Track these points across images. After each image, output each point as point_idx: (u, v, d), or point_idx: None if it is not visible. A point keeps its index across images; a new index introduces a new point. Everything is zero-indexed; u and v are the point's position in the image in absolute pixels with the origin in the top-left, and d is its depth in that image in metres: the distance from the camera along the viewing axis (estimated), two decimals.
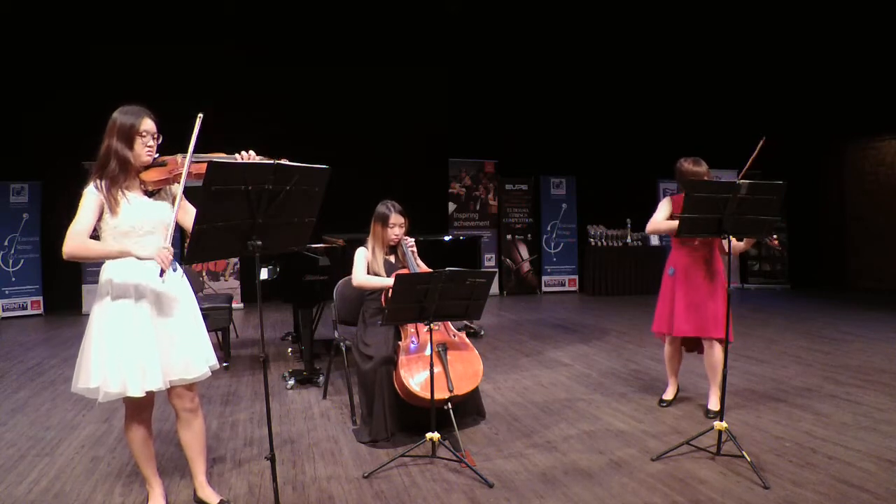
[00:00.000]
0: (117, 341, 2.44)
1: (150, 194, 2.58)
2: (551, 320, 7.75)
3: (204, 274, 8.69)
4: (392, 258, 3.92)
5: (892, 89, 9.13)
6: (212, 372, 2.69)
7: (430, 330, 3.28)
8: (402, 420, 3.57)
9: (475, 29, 9.55)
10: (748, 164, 3.71)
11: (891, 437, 3.48)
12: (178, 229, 2.75)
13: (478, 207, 10.35)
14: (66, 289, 8.63)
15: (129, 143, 2.48)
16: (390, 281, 3.66)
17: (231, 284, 8.92)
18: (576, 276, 10.65)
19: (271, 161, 2.32)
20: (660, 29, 9.83)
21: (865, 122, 9.95)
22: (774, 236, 3.45)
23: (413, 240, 3.93)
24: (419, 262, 3.89)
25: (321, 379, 4.67)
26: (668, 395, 4.21)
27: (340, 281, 4.23)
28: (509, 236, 10.49)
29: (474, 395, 3.80)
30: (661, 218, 3.90)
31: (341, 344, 4.07)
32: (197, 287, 7.41)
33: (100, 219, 2.48)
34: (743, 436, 3.50)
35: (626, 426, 3.77)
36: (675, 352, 4.11)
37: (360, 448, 3.47)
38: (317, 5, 8.97)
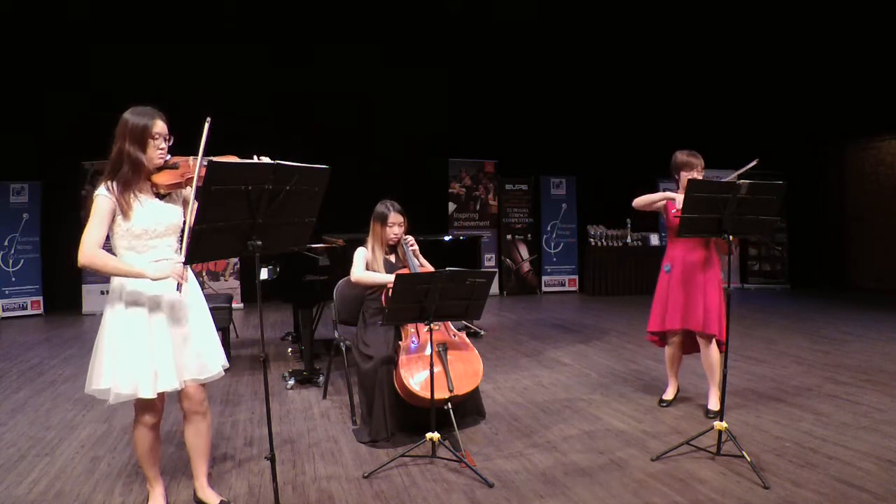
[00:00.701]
0: (130, 343, 2.44)
1: (160, 196, 2.57)
2: (551, 320, 7.75)
3: (204, 274, 8.68)
4: (392, 258, 3.92)
5: (892, 89, 9.13)
6: (224, 372, 2.69)
7: (431, 330, 3.28)
8: (402, 420, 3.57)
9: (475, 29, 9.55)
10: (738, 173, 3.65)
11: (891, 437, 3.48)
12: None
13: (478, 207, 10.35)
14: (66, 289, 8.62)
15: (143, 146, 2.46)
16: (388, 277, 3.67)
17: (231, 284, 8.92)
18: (576, 276, 10.64)
19: (271, 161, 2.32)
20: (660, 29, 9.83)
21: (865, 122, 9.94)
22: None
23: (413, 239, 3.93)
24: (422, 260, 3.89)
25: (321, 379, 4.67)
26: (668, 395, 4.21)
27: (340, 281, 4.23)
28: (509, 236, 10.49)
29: (474, 395, 3.80)
30: (656, 196, 3.94)
31: (341, 344, 4.07)
32: None
33: (112, 221, 2.46)
34: (743, 436, 3.50)
35: (626, 426, 3.77)
36: (675, 352, 4.11)
37: (360, 448, 3.47)
38: (316, 5, 8.97)
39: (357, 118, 9.22)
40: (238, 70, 8.72)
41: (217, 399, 4.44)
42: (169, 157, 2.54)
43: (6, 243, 8.26)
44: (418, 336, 3.67)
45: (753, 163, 3.61)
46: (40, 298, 8.49)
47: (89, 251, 2.37)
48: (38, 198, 8.45)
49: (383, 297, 3.72)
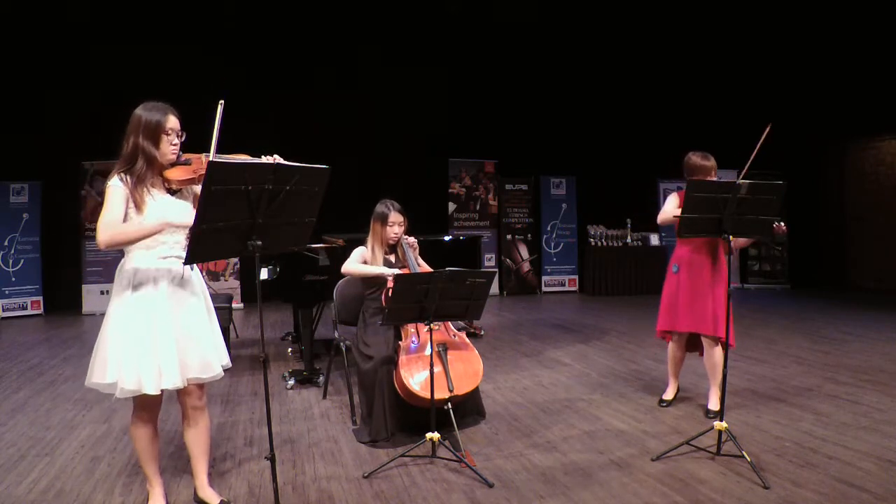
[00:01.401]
0: (134, 338, 2.44)
1: (172, 192, 2.58)
2: (551, 320, 7.75)
3: (204, 274, 8.61)
4: (392, 257, 3.92)
5: (892, 89, 9.13)
6: (224, 372, 2.69)
7: (430, 330, 3.28)
8: (402, 420, 3.57)
9: (475, 29, 9.55)
10: (755, 150, 3.64)
11: (891, 437, 3.48)
12: None
13: (478, 207, 10.35)
14: (66, 289, 8.63)
15: (156, 142, 2.47)
16: (378, 269, 3.68)
17: (231, 284, 8.93)
18: (576, 276, 10.64)
19: (271, 161, 2.32)
20: (660, 29, 9.82)
21: (865, 122, 9.94)
22: (780, 221, 3.44)
23: (415, 239, 3.93)
24: (420, 261, 3.89)
25: (321, 379, 4.67)
26: (669, 395, 4.21)
27: (340, 281, 4.24)
28: (509, 236, 10.49)
29: (474, 395, 3.80)
30: (670, 210, 3.90)
31: (341, 344, 4.07)
32: None
33: (125, 214, 2.46)
34: (743, 436, 3.50)
35: (626, 426, 3.77)
36: (679, 352, 4.10)
37: (360, 448, 3.47)
38: (316, 5, 8.97)
39: (357, 118, 9.22)
40: (238, 70, 8.71)
41: (217, 399, 4.44)
42: (181, 153, 2.55)
43: (6, 243, 8.26)
44: (418, 336, 3.67)
45: (767, 129, 3.55)
46: (40, 298, 8.49)
47: (108, 229, 2.38)
48: (38, 198, 8.45)
49: (383, 297, 3.72)
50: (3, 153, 8.11)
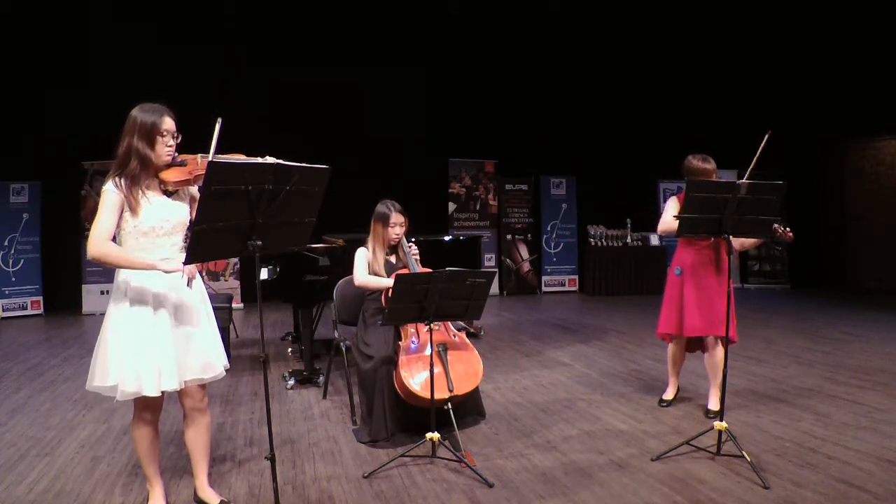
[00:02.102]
0: (133, 340, 2.44)
1: (168, 194, 2.57)
2: (551, 320, 7.75)
3: (204, 274, 8.66)
4: (393, 258, 3.92)
5: (892, 89, 9.13)
6: (225, 372, 2.69)
7: (430, 330, 3.28)
8: (402, 420, 3.57)
9: (475, 29, 9.55)
10: (756, 156, 3.66)
11: (891, 437, 3.48)
12: None
13: (478, 207, 10.35)
14: (66, 289, 8.63)
15: (151, 143, 2.46)
16: (391, 282, 3.67)
17: (231, 284, 8.93)
18: (576, 276, 10.64)
19: (271, 161, 2.32)
20: (660, 29, 9.82)
21: (865, 122, 9.94)
22: (787, 228, 3.44)
23: (416, 247, 3.92)
24: (420, 268, 3.88)
25: (321, 379, 4.67)
26: (669, 395, 4.21)
27: (340, 281, 4.23)
28: (509, 236, 10.49)
29: (474, 395, 3.80)
30: (670, 218, 3.89)
31: (341, 344, 4.07)
32: None
33: (120, 218, 2.46)
34: (743, 436, 3.50)
35: (626, 426, 3.77)
36: (679, 352, 4.10)
37: (360, 448, 3.47)
38: (317, 5, 8.97)
39: (357, 118, 9.22)
40: (238, 70, 8.71)
41: (217, 399, 4.44)
42: (177, 154, 2.55)
43: (6, 243, 8.26)
44: (418, 336, 3.67)
45: (767, 135, 3.56)
46: (40, 298, 8.49)
47: (100, 243, 2.38)
48: (38, 198, 8.45)
49: (383, 298, 3.72)
50: (3, 153, 8.11)
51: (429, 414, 3.25)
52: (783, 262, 10.94)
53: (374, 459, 3.28)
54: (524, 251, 10.53)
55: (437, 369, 3.40)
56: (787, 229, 3.47)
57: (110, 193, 2.43)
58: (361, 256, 3.87)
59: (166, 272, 2.43)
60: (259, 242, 2.33)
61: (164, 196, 2.56)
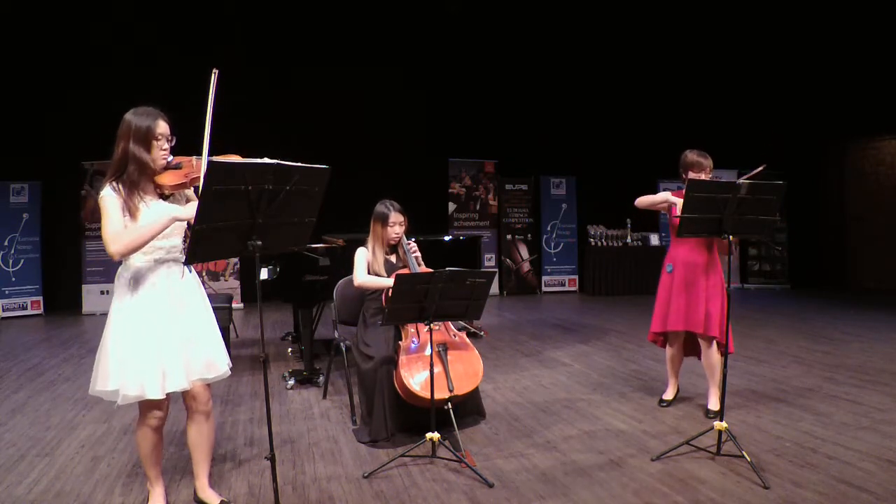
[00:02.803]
0: (136, 343, 2.44)
1: (164, 197, 2.57)
2: (551, 320, 7.75)
3: (204, 274, 8.68)
4: (393, 258, 3.92)
5: (892, 89, 9.13)
6: (230, 371, 2.69)
7: (431, 330, 3.28)
8: (402, 420, 3.57)
9: (475, 29, 9.55)
10: (750, 176, 3.68)
11: (891, 437, 3.48)
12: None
13: (478, 207, 10.35)
14: (66, 289, 8.63)
15: (147, 147, 2.46)
16: (391, 282, 3.67)
17: (231, 284, 8.93)
18: (576, 276, 10.64)
19: (271, 161, 2.32)
20: (660, 29, 9.83)
21: (865, 122, 9.94)
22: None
23: (416, 244, 3.92)
24: (422, 266, 3.88)
25: (321, 379, 4.67)
26: (668, 395, 4.21)
27: (340, 281, 4.23)
28: (509, 236, 10.49)
29: (474, 395, 3.80)
30: (659, 198, 3.92)
31: (341, 344, 4.07)
32: None
33: None
34: (743, 436, 3.50)
35: (626, 426, 3.77)
36: (676, 353, 4.10)
37: (360, 448, 3.47)
38: (316, 5, 8.97)
39: (357, 118, 9.22)
40: (238, 70, 8.69)
41: (217, 399, 4.43)
42: (171, 157, 2.54)
43: (6, 243, 8.26)
44: (418, 336, 3.67)
45: (760, 169, 3.60)
46: (40, 298, 8.49)
47: (117, 238, 2.37)
48: (38, 198, 8.45)
49: (383, 298, 3.72)
50: (3, 153, 8.11)
51: (429, 414, 3.25)
52: (783, 262, 10.94)
53: (374, 459, 3.28)
54: (524, 251, 10.53)
55: (437, 369, 3.40)
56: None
57: (110, 198, 2.42)
58: (361, 257, 3.87)
59: (183, 218, 2.43)
60: (259, 242, 2.33)
61: (161, 199, 2.56)
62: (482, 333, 6.68)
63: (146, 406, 2.56)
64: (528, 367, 5.32)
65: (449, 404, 3.37)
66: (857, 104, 9.81)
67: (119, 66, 8.17)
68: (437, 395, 3.29)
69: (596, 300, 9.64)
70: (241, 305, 8.82)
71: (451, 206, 10.19)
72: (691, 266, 3.86)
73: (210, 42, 8.57)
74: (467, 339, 3.81)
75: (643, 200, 4.03)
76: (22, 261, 8.36)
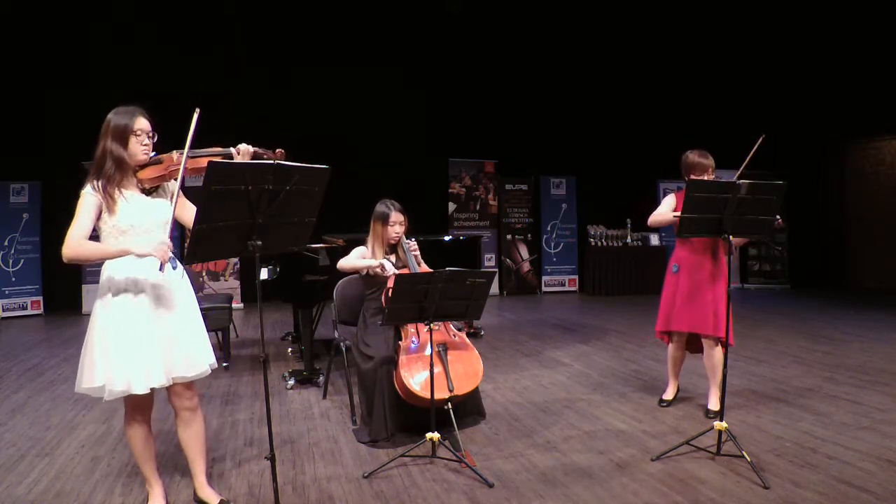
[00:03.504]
0: (120, 339, 2.45)
1: (148, 192, 2.58)
2: (551, 320, 7.75)
3: (204, 274, 8.68)
4: (392, 257, 3.92)
5: (892, 89, 9.13)
6: (211, 370, 2.69)
7: (430, 330, 3.28)
8: (402, 420, 3.57)
9: (475, 29, 9.55)
10: (745, 161, 3.70)
11: (891, 437, 3.48)
12: (180, 228, 2.76)
13: (478, 207, 10.35)
14: (66, 289, 8.62)
15: (124, 143, 2.49)
16: (369, 262, 3.70)
17: (231, 284, 8.92)
18: (576, 276, 10.64)
19: (271, 161, 2.32)
20: (660, 29, 9.82)
21: (865, 122, 9.94)
22: (778, 217, 3.42)
23: (416, 243, 3.92)
24: (422, 265, 3.88)
25: (321, 379, 4.67)
26: (669, 395, 4.21)
27: (340, 281, 4.23)
28: (509, 236, 10.49)
29: (474, 395, 3.80)
30: (665, 211, 3.90)
31: (341, 344, 4.07)
32: (197, 287, 7.41)
33: (98, 218, 2.49)
34: (743, 436, 3.50)
35: (626, 426, 3.77)
36: (679, 352, 4.10)
37: (360, 448, 3.47)
38: (316, 5, 8.97)
39: (357, 118, 9.22)
40: (238, 70, 8.71)
41: (217, 399, 4.44)
42: (154, 153, 2.56)
43: (6, 243, 8.26)
44: (418, 336, 3.67)
45: (760, 140, 3.57)
46: (40, 298, 8.49)
47: (73, 243, 2.41)
48: (38, 198, 8.45)
49: (383, 298, 3.72)
50: (3, 153, 8.11)
51: (429, 414, 3.25)
52: (783, 262, 10.94)
53: (374, 459, 3.28)
54: (524, 251, 10.53)
55: (437, 369, 3.40)
56: (777, 218, 3.46)
57: (88, 196, 2.46)
58: (356, 250, 3.89)
59: (138, 255, 2.42)
60: (259, 242, 2.33)
61: (143, 195, 2.57)
62: (482, 333, 6.67)
63: (132, 403, 2.57)
64: (528, 367, 5.32)
65: (449, 404, 3.37)
66: (857, 104, 9.81)
67: (119, 65, 8.17)
68: (437, 395, 3.29)
69: (596, 300, 9.64)
70: (241, 305, 8.81)
71: (451, 206, 10.19)
72: (696, 265, 3.85)
73: (210, 42, 8.58)
74: (467, 339, 3.81)
75: (654, 220, 3.96)
76: (22, 261, 8.36)
